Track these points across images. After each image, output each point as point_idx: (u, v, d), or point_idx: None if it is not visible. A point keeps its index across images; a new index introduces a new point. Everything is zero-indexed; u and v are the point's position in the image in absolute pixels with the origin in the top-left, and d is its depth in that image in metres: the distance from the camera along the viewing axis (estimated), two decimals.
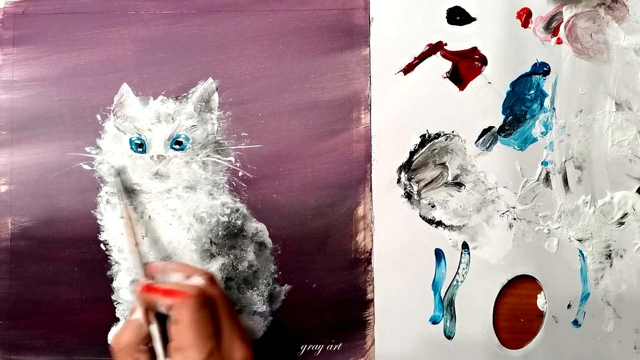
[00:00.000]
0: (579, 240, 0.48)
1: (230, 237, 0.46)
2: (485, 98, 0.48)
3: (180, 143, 0.46)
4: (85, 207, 0.45)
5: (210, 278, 0.39)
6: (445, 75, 0.48)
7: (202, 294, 0.36)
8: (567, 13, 0.49)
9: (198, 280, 0.38)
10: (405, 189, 0.47)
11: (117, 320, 0.46)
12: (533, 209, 0.48)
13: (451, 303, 0.47)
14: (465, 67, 0.48)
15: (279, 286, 0.46)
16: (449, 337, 0.47)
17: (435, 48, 0.48)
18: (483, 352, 0.47)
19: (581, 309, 0.48)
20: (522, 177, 0.48)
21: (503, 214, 0.48)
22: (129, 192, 0.45)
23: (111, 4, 0.47)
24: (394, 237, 0.47)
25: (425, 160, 0.48)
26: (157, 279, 0.39)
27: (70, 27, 0.46)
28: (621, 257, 0.48)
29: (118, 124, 0.46)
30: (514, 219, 0.48)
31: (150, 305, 0.36)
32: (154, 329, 0.36)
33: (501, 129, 0.48)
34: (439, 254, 0.47)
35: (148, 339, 0.36)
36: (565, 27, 0.48)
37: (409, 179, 0.47)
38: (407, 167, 0.47)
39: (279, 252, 0.46)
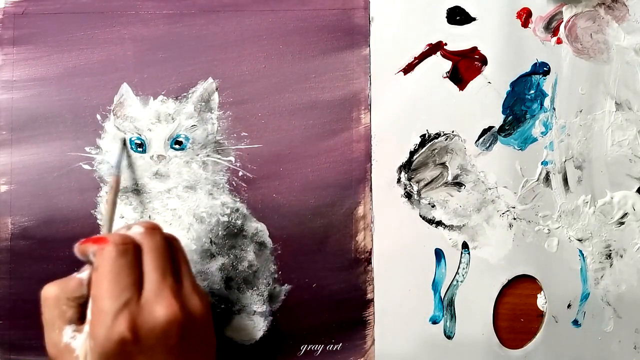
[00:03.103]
0: (579, 240, 0.48)
1: (230, 237, 0.46)
2: (485, 98, 0.48)
3: (180, 143, 0.46)
4: (85, 207, 0.45)
5: (150, 227, 0.36)
6: (445, 75, 0.48)
7: (126, 241, 0.34)
8: (567, 13, 0.49)
9: (136, 229, 0.36)
10: (405, 188, 0.47)
11: None
12: (533, 208, 0.48)
13: (451, 303, 0.47)
14: (465, 67, 0.48)
15: (279, 286, 0.46)
16: (449, 337, 0.47)
17: (435, 48, 0.48)
18: (483, 352, 0.47)
19: (581, 309, 0.48)
20: (522, 177, 0.48)
21: (503, 214, 0.48)
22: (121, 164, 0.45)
23: (111, 4, 0.47)
24: (394, 237, 0.47)
25: (425, 160, 0.48)
26: None
27: (70, 27, 0.46)
28: (621, 257, 0.48)
29: (118, 124, 0.46)
30: (514, 218, 0.48)
31: (85, 256, 0.35)
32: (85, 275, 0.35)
33: (501, 129, 0.48)
34: (439, 254, 0.47)
35: (82, 298, 0.34)
36: (565, 27, 0.48)
37: (409, 179, 0.47)
38: (407, 167, 0.47)
39: (279, 252, 0.46)
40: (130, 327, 0.32)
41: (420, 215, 0.47)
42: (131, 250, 0.34)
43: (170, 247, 0.37)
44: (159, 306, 0.33)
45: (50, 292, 0.34)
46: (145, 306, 0.33)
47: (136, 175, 0.46)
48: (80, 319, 0.34)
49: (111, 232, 0.39)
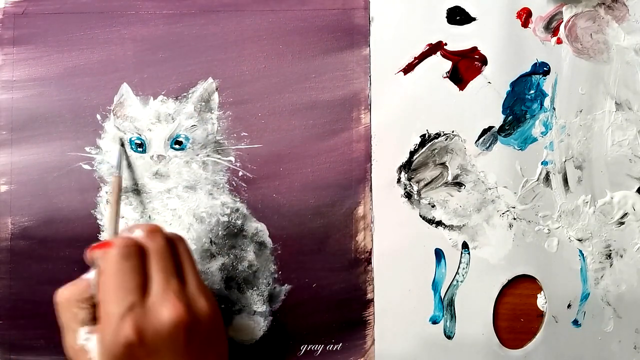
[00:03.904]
0: (579, 240, 0.48)
1: (230, 237, 0.46)
2: (485, 98, 0.48)
3: (180, 143, 0.46)
4: (85, 207, 0.45)
5: (152, 230, 0.36)
6: (445, 75, 0.48)
7: (129, 244, 0.34)
8: (567, 13, 0.49)
9: (137, 232, 0.36)
10: (405, 188, 0.47)
11: None
12: (533, 208, 0.48)
13: (451, 303, 0.47)
14: (465, 67, 0.48)
15: (279, 286, 0.46)
16: (449, 337, 0.47)
17: (435, 48, 0.48)
18: (483, 352, 0.47)
19: (581, 309, 0.48)
20: (522, 177, 0.48)
21: (503, 213, 0.48)
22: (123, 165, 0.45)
23: (111, 4, 0.47)
24: (394, 237, 0.47)
25: (425, 160, 0.48)
26: None
27: (70, 27, 0.46)
28: (621, 257, 0.48)
29: (118, 124, 0.46)
30: (514, 218, 0.48)
31: (93, 261, 0.35)
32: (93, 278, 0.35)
33: (501, 129, 0.48)
34: (439, 254, 0.47)
35: (93, 299, 0.34)
36: (565, 27, 0.48)
37: (409, 179, 0.47)
38: (407, 167, 0.47)
39: (279, 252, 0.46)
40: (136, 330, 0.32)
41: (420, 215, 0.47)
42: (134, 253, 0.34)
43: (173, 248, 0.37)
44: (164, 309, 0.33)
45: (62, 295, 0.35)
46: (151, 309, 0.33)
47: (136, 175, 0.46)
48: (94, 319, 0.34)
49: (116, 233, 0.39)
